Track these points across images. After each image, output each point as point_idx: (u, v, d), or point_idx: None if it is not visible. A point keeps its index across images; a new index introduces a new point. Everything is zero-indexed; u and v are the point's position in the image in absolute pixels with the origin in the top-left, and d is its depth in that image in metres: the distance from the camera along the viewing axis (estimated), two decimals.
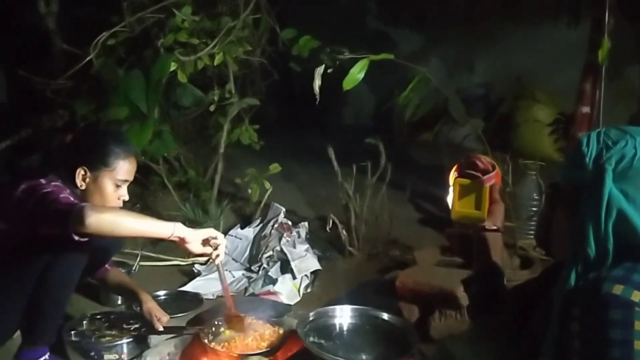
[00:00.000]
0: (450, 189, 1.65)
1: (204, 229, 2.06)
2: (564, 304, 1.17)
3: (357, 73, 2.68)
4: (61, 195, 1.92)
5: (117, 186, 2.16)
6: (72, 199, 1.93)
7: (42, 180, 2.02)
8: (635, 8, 3.62)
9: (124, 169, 2.16)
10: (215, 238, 2.03)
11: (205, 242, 2.03)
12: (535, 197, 3.35)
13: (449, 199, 1.64)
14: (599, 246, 1.16)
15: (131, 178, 2.21)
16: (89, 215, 1.79)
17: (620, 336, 1.08)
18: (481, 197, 1.56)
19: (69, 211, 1.82)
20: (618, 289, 1.10)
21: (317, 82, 2.69)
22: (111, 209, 1.93)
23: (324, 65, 2.74)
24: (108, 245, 2.33)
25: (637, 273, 1.13)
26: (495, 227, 1.57)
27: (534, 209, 3.35)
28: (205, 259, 3.34)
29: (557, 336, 1.17)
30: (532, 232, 3.30)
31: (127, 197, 2.21)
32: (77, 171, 2.10)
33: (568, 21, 3.88)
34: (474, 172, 1.58)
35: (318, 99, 2.70)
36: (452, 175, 1.65)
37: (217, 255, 2.06)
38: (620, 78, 4.29)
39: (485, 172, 1.58)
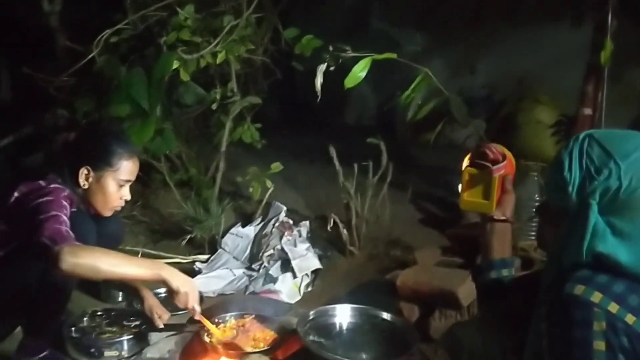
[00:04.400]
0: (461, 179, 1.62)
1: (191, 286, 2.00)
2: (537, 303, 1.19)
3: (359, 72, 2.68)
4: (52, 214, 1.88)
5: (120, 186, 2.18)
6: (62, 223, 1.88)
7: (42, 182, 2.03)
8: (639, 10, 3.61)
9: (127, 169, 2.17)
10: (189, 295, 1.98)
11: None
12: (537, 198, 3.35)
13: (459, 188, 1.62)
14: (574, 265, 1.17)
15: (134, 178, 2.22)
16: (65, 260, 1.76)
17: (581, 336, 1.09)
18: (490, 187, 1.53)
19: (48, 249, 1.79)
20: (579, 290, 1.11)
21: (319, 80, 2.70)
22: (91, 252, 1.85)
23: (326, 64, 2.74)
24: (110, 240, 2.34)
25: (602, 274, 1.13)
26: (504, 218, 1.55)
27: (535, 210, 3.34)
28: (206, 257, 3.35)
29: (534, 335, 1.19)
30: (533, 233, 3.30)
31: (129, 197, 2.23)
32: (80, 171, 2.11)
33: (571, 23, 3.87)
34: (483, 162, 1.56)
35: (319, 97, 2.70)
36: (464, 163, 1.63)
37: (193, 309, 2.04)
38: (623, 80, 4.28)
39: (495, 162, 1.55)
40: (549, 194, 1.32)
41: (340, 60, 2.75)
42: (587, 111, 3.46)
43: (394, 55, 2.76)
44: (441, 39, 5.60)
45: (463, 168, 1.61)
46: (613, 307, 1.09)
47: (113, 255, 1.91)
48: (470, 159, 1.61)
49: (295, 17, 4.61)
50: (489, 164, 1.55)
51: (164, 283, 1.95)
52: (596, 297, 1.09)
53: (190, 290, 1.99)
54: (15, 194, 2.01)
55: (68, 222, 1.91)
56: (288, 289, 2.98)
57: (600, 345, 1.07)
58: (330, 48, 2.83)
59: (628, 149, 1.19)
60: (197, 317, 2.12)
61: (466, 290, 2.35)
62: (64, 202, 1.97)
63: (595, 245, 1.15)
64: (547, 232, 1.36)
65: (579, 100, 3.51)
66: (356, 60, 2.70)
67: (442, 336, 2.05)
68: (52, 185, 2.02)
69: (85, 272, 1.82)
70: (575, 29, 3.84)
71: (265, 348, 2.26)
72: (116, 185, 2.16)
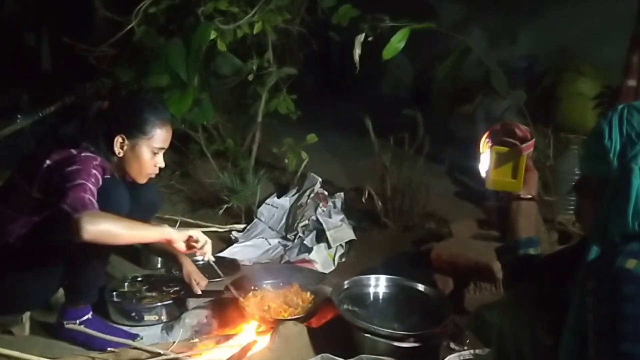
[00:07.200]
0: (483, 157, 1.59)
1: (187, 230, 2.12)
2: (581, 278, 1.17)
3: (397, 42, 2.65)
4: (77, 182, 1.92)
5: (154, 153, 2.19)
6: (87, 191, 1.91)
7: (73, 151, 2.05)
8: None
9: (161, 137, 2.19)
10: (196, 240, 2.10)
11: (189, 242, 2.09)
12: (577, 172, 3.28)
13: (482, 167, 1.59)
14: (623, 237, 1.16)
15: (167, 145, 2.24)
16: (85, 228, 1.81)
17: (632, 310, 1.07)
18: (518, 166, 1.51)
19: (68, 216, 1.84)
20: (631, 264, 1.09)
21: (357, 51, 2.67)
22: (109, 219, 1.90)
23: (364, 34, 2.71)
24: (147, 207, 2.38)
25: None
26: (530, 196, 1.54)
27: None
28: (242, 226, 3.40)
29: (577, 310, 1.17)
30: (571, 207, 3.24)
31: (163, 164, 2.25)
32: (115, 139, 2.13)
33: None
34: (512, 140, 1.53)
35: (358, 68, 2.68)
36: (484, 142, 1.60)
37: (205, 253, 2.17)
38: None
39: (523, 140, 1.53)
40: (587, 166, 1.30)
41: (379, 31, 2.71)
42: (632, 82, 3.39)
43: (432, 25, 2.72)
44: (481, 8, 5.49)
45: (483, 148, 1.58)
46: None
47: (126, 221, 1.96)
48: (491, 137, 1.58)
49: None
50: (517, 142, 1.52)
51: (169, 242, 2.04)
52: None
53: (198, 237, 2.11)
54: (47, 162, 2.04)
55: (94, 191, 1.94)
56: (323, 259, 3.00)
57: None
58: (368, 18, 2.79)
59: None
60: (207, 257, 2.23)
61: None
62: (94, 171, 1.99)
63: None
64: (586, 207, 1.34)
65: (623, 71, 3.43)
66: (394, 30, 2.66)
67: (469, 320, 2.05)
68: (83, 154, 2.04)
69: (104, 238, 1.88)
70: None
71: (300, 315, 2.29)
72: (150, 153, 2.18)
